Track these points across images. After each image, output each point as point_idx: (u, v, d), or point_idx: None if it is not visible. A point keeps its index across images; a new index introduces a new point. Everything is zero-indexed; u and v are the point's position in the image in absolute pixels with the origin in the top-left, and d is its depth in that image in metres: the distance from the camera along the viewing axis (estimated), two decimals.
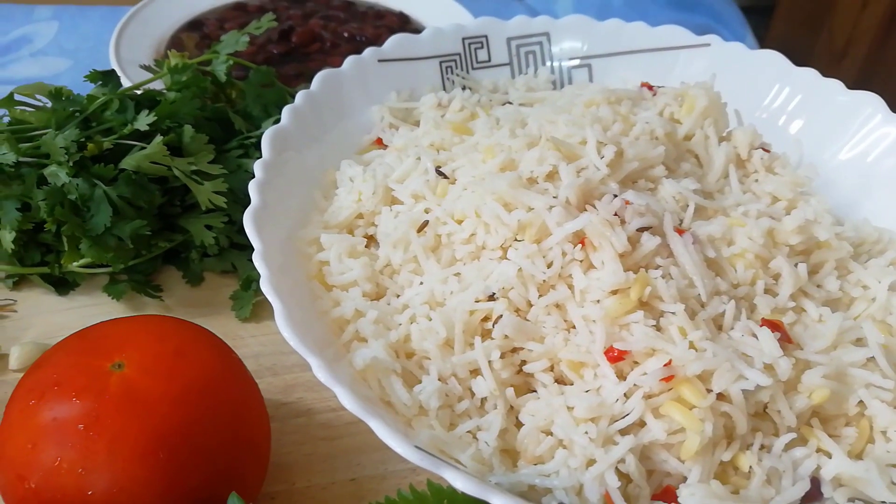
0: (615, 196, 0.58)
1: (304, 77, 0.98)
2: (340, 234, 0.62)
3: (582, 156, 0.61)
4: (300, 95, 0.68)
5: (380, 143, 0.73)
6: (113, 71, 0.76)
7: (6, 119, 0.77)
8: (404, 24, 1.10)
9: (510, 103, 0.78)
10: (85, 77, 0.76)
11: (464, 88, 0.81)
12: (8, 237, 0.71)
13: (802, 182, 0.68)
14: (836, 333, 0.55)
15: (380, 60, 0.76)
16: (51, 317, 0.73)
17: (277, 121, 0.77)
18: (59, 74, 1.09)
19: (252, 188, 0.58)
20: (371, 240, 0.64)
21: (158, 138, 0.70)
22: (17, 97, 0.77)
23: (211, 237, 0.73)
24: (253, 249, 0.55)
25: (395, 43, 0.77)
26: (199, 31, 1.05)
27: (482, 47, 0.82)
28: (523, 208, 0.58)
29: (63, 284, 0.75)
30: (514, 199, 0.58)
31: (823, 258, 0.62)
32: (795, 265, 0.60)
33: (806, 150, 0.76)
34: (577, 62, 0.84)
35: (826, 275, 0.62)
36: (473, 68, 0.82)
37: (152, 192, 0.71)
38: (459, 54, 0.81)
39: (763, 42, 1.48)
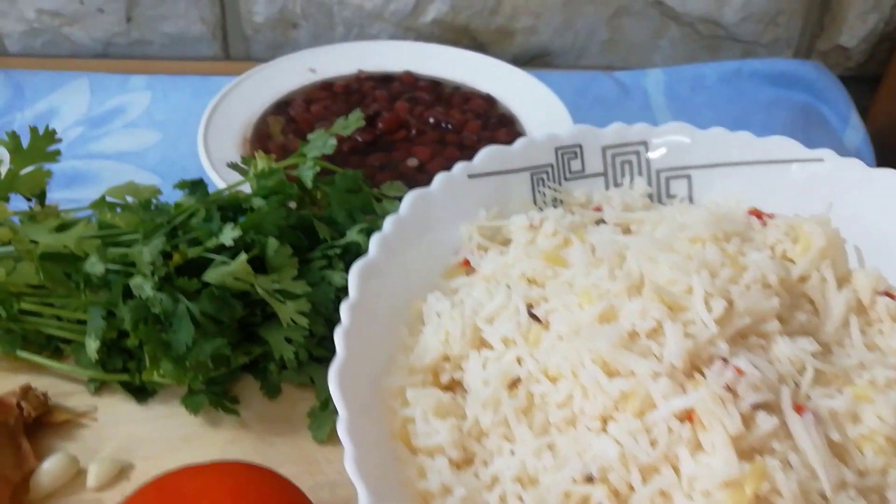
0: (725, 361, 0.54)
1: (389, 168, 0.96)
2: (425, 388, 0.59)
3: (687, 307, 0.57)
4: (388, 222, 0.66)
5: (467, 264, 0.70)
6: (201, 180, 0.76)
7: (94, 218, 0.77)
8: (490, 107, 1.07)
9: (604, 221, 0.74)
10: (174, 185, 0.76)
11: (555, 201, 0.77)
12: (93, 345, 0.71)
13: None
14: None
15: (470, 176, 0.73)
16: (129, 427, 0.72)
17: (363, 230, 0.75)
18: (149, 149, 1.11)
19: (338, 337, 0.56)
20: (457, 384, 0.61)
21: (242, 256, 0.69)
22: (108, 199, 0.77)
23: (291, 351, 0.72)
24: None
25: (486, 156, 0.74)
26: (285, 114, 1.04)
27: (576, 157, 0.78)
28: (625, 372, 0.53)
29: (142, 392, 0.74)
30: (615, 361, 0.54)
31: None
32: None
33: None
34: (676, 173, 0.80)
35: None
36: (566, 179, 0.78)
37: (234, 308, 0.70)
38: (552, 165, 0.77)
39: (866, 115, 1.38)
